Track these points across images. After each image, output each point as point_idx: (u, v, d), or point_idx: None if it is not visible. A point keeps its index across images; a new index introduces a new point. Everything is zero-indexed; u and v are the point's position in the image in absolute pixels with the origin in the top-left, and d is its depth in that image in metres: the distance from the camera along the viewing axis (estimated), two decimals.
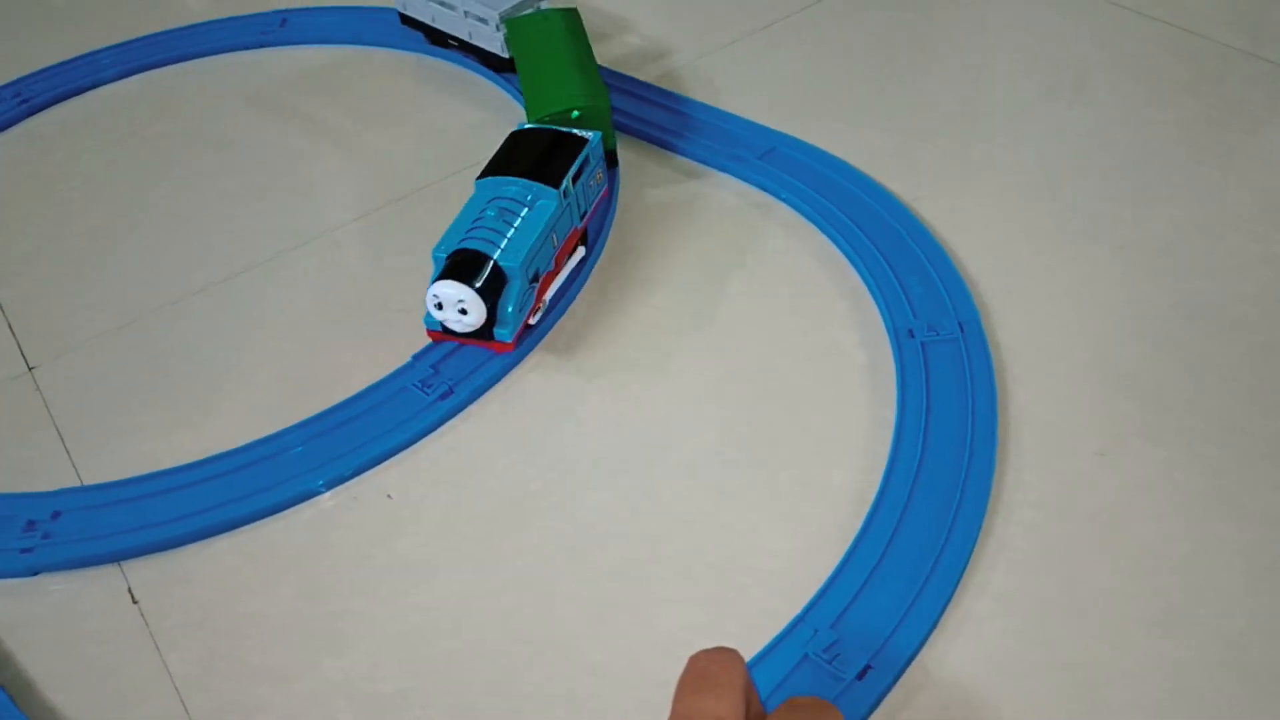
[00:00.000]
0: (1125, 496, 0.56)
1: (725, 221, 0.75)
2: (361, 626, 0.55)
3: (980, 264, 0.70)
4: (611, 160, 0.76)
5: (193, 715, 0.52)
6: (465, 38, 0.87)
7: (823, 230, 0.74)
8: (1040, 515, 0.56)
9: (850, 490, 0.58)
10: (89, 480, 0.63)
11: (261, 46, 0.99)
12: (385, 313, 0.71)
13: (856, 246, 0.71)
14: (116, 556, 0.59)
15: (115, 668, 0.54)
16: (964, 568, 0.54)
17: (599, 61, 0.80)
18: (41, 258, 0.79)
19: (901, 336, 0.65)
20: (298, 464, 0.61)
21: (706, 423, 0.62)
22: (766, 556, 0.56)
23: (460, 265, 0.62)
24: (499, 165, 0.67)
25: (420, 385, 0.65)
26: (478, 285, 0.61)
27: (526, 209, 0.65)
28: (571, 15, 0.82)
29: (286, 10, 1.01)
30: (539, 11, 0.83)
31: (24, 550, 0.59)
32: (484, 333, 0.64)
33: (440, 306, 0.62)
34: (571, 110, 0.72)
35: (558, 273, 0.68)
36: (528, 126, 0.71)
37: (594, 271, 0.72)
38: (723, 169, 0.79)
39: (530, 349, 0.67)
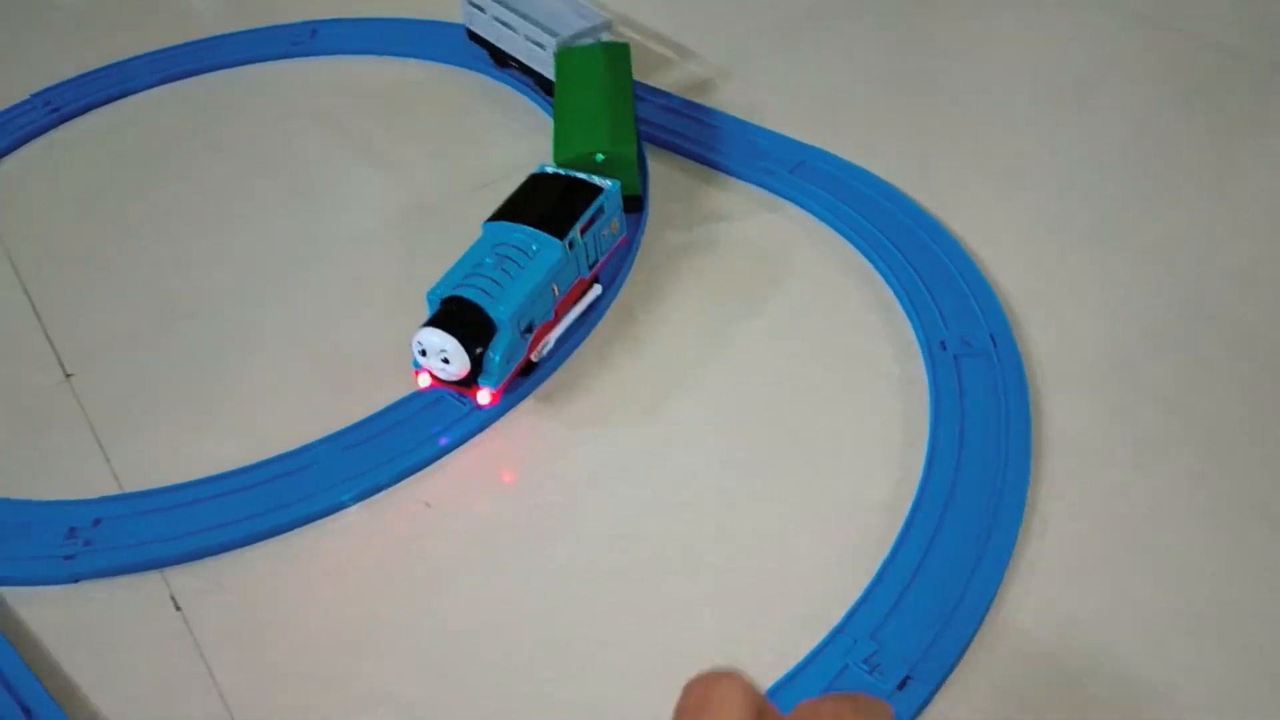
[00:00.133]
0: (1159, 505, 0.57)
1: (756, 234, 0.76)
2: (402, 633, 0.55)
3: (1009, 275, 0.70)
4: (636, 206, 0.75)
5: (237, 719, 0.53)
6: (523, 59, 0.87)
7: (853, 243, 0.74)
8: (1076, 526, 0.56)
9: (885, 501, 0.59)
10: (128, 487, 0.64)
11: (292, 57, 0.99)
12: (418, 322, 0.71)
13: (887, 259, 0.72)
14: (158, 564, 0.59)
15: (160, 674, 0.55)
16: (1001, 579, 0.54)
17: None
18: (76, 265, 0.80)
19: (934, 348, 0.65)
20: (336, 472, 0.62)
21: (740, 433, 0.63)
22: (802, 566, 0.56)
23: (449, 314, 0.61)
24: (509, 210, 0.66)
25: (456, 394, 0.65)
26: (462, 336, 0.60)
27: (529, 259, 0.64)
28: (621, 53, 0.81)
29: (317, 21, 1.02)
30: (592, 45, 0.82)
31: (66, 557, 0.59)
32: (469, 381, 0.62)
33: (425, 353, 0.62)
34: (595, 154, 0.72)
35: (557, 323, 0.66)
36: (547, 170, 0.70)
37: (627, 280, 0.73)
38: (754, 182, 0.80)
39: (566, 357, 0.68)
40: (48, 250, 0.82)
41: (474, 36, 0.91)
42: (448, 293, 0.62)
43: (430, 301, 0.63)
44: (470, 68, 0.94)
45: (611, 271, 0.72)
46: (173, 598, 0.58)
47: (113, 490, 0.64)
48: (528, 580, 0.57)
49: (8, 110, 0.96)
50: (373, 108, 0.92)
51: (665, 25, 0.97)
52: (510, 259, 0.63)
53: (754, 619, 0.54)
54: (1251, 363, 0.63)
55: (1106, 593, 0.53)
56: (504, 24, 0.86)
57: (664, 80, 0.90)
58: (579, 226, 0.66)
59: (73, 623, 0.57)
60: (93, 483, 0.64)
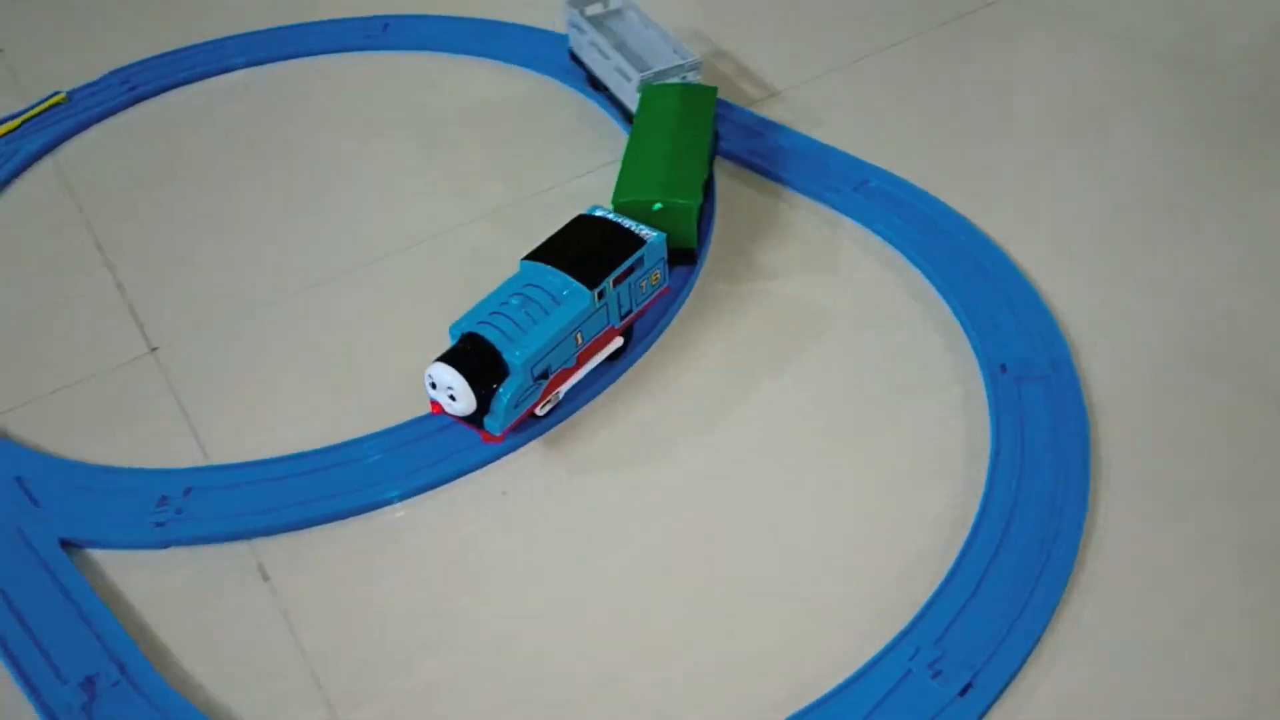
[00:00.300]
0: (1217, 535, 0.59)
1: (819, 250, 0.78)
2: (481, 617, 0.58)
3: (1069, 303, 0.72)
4: (689, 259, 0.74)
5: (326, 692, 0.55)
6: (612, 89, 0.88)
7: (914, 263, 0.76)
8: (1134, 550, 0.59)
9: (946, 516, 0.61)
10: (215, 460, 0.66)
11: (363, 50, 1.01)
12: None
13: (948, 280, 0.74)
14: (246, 534, 0.62)
15: (249, 641, 0.57)
16: (1061, 595, 0.56)
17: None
18: (153, 242, 0.82)
19: (995, 371, 0.68)
20: (425, 455, 0.64)
21: (801, 445, 0.65)
22: (865, 576, 0.59)
23: (462, 352, 0.61)
24: (546, 250, 0.66)
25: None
26: (470, 376, 0.60)
27: (555, 304, 0.63)
28: (706, 97, 0.80)
29: (387, 15, 1.04)
30: (678, 85, 0.81)
31: (157, 524, 0.62)
32: (476, 418, 0.62)
33: (434, 386, 0.62)
34: (653, 204, 0.71)
35: (577, 370, 0.66)
36: (596, 213, 0.69)
37: (696, 286, 0.75)
38: (817, 198, 0.82)
39: (631, 364, 0.70)
40: (126, 226, 0.84)
41: (574, 57, 0.93)
42: (468, 328, 0.62)
43: (451, 334, 0.63)
44: (541, 71, 0.96)
45: (670, 295, 0.74)
46: (260, 567, 0.60)
47: (199, 461, 0.66)
48: (592, 581, 0.59)
49: (85, 87, 0.98)
50: (444, 108, 0.94)
51: (727, 41, 0.99)
52: (536, 302, 0.63)
53: (817, 624, 0.57)
54: None
55: (1160, 622, 0.56)
56: (599, 50, 0.87)
57: (728, 93, 0.92)
58: (613, 277, 0.65)
59: (163, 587, 0.60)
60: (180, 453, 0.67)
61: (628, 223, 0.68)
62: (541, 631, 0.57)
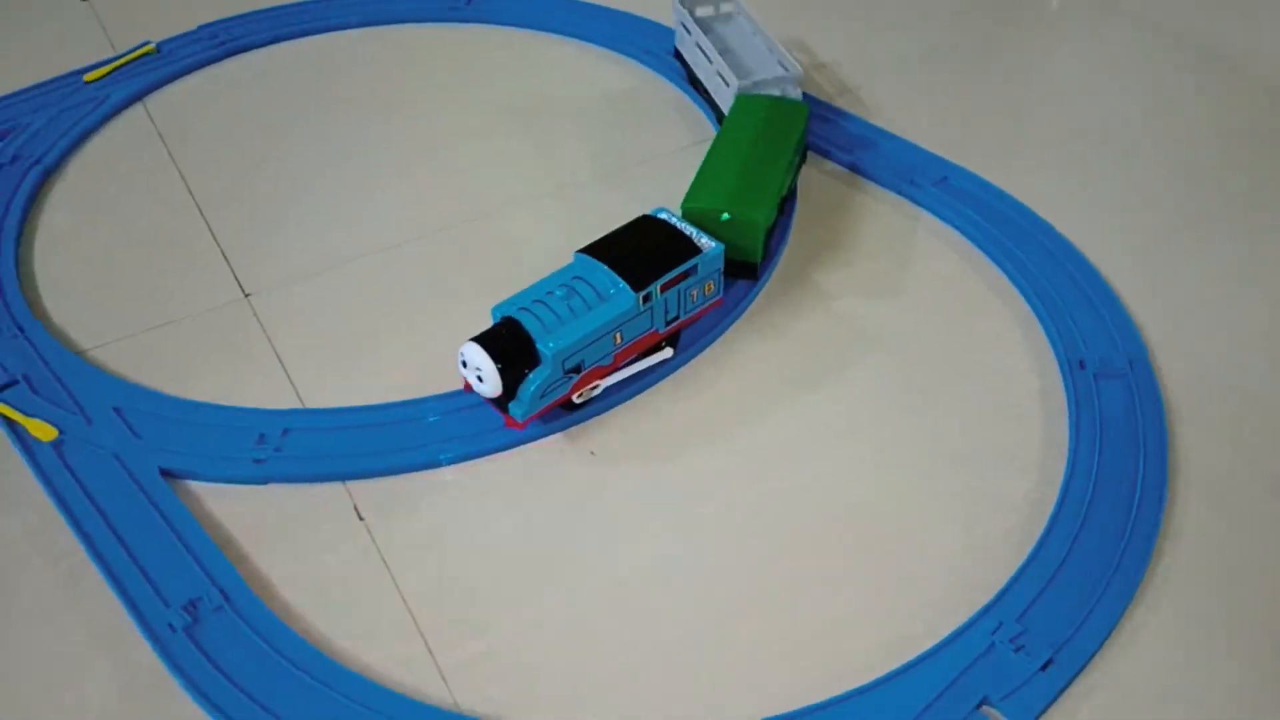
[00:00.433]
0: None
1: (898, 243, 0.79)
2: (571, 568, 0.60)
3: (1145, 305, 0.73)
4: (752, 273, 0.74)
5: (422, 627, 0.57)
6: (710, 92, 0.89)
7: (992, 258, 0.78)
8: (1209, 544, 0.60)
9: (1023, 501, 0.63)
10: (309, 404, 0.68)
11: (447, 22, 1.03)
12: None
13: (1026, 276, 0.75)
14: (343, 476, 0.63)
15: (345, 575, 0.59)
16: (1138, 586, 0.58)
17: None
18: (245, 193, 0.84)
19: (1073, 366, 0.69)
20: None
21: (881, 426, 0.67)
22: (949, 554, 0.60)
23: (496, 335, 0.62)
24: (601, 246, 0.66)
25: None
26: (499, 360, 0.61)
27: (600, 300, 0.63)
28: (797, 114, 0.80)
29: None
30: (772, 97, 0.81)
31: (256, 461, 0.63)
32: (503, 402, 0.63)
33: (465, 365, 0.62)
34: (721, 213, 0.71)
35: (613, 370, 0.66)
36: (660, 215, 0.69)
37: (779, 264, 0.77)
38: (897, 191, 0.83)
39: (731, 322, 0.72)
40: (215, 175, 0.86)
41: (678, 54, 0.94)
42: (508, 313, 0.63)
43: (493, 315, 0.64)
44: (626, 54, 0.98)
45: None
46: (355, 507, 0.62)
47: (293, 404, 0.68)
48: (687, 541, 0.61)
49: (176, 38, 1.00)
50: (523, 79, 0.95)
51: (810, 34, 1.00)
52: (580, 295, 0.63)
53: (902, 595, 0.58)
54: None
55: (1233, 611, 0.57)
56: (703, 51, 0.88)
57: (809, 85, 0.94)
58: (661, 283, 0.65)
59: (261, 520, 0.62)
60: (275, 395, 0.68)
61: (689, 230, 0.68)
62: (630, 587, 0.59)
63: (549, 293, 0.64)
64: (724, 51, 0.89)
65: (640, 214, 0.70)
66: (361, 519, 0.62)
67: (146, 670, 0.55)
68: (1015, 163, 0.85)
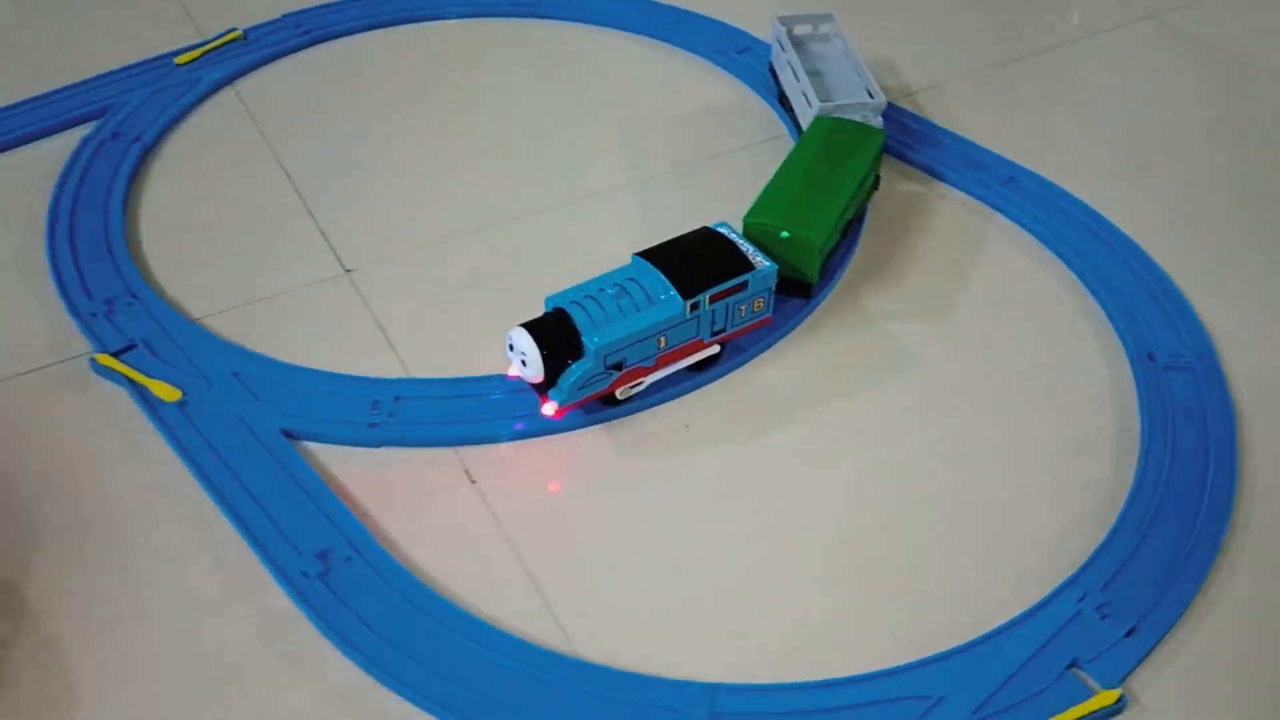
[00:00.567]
0: None
1: (967, 239, 0.83)
2: (671, 531, 0.63)
3: (1211, 304, 0.77)
4: (804, 292, 0.75)
5: (537, 583, 0.60)
6: (795, 111, 0.91)
7: (1059, 255, 0.81)
8: (1277, 533, 0.63)
9: (1099, 484, 0.66)
10: (415, 374, 0.71)
11: (520, 17, 1.06)
12: None
13: (1095, 274, 0.79)
14: (453, 442, 0.66)
15: (462, 534, 0.62)
16: (1213, 563, 0.61)
17: None
18: (338, 175, 0.87)
19: (1142, 359, 0.73)
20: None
21: (956, 412, 0.70)
22: (1024, 533, 0.64)
23: (545, 324, 0.64)
24: (659, 251, 0.68)
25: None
26: (544, 348, 0.63)
27: (649, 303, 0.66)
28: (871, 140, 0.81)
29: None
30: (849, 122, 0.83)
31: (371, 425, 0.66)
32: (544, 388, 0.65)
33: (512, 348, 0.65)
34: (780, 231, 0.73)
35: (655, 371, 0.68)
36: (720, 229, 0.71)
37: (849, 266, 0.80)
38: (966, 190, 0.87)
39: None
40: (309, 157, 0.89)
41: (772, 70, 0.96)
42: (560, 304, 0.65)
43: (545, 305, 0.66)
44: (697, 53, 1.01)
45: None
46: (467, 472, 0.65)
47: (399, 374, 0.71)
48: (783, 511, 0.64)
49: (260, 26, 1.03)
50: (601, 75, 0.99)
51: (879, 37, 1.03)
52: (630, 296, 0.66)
53: (990, 568, 0.62)
54: None
55: None
56: (793, 70, 0.90)
57: (881, 85, 0.97)
58: (710, 294, 0.67)
59: (380, 481, 0.65)
60: (382, 367, 0.71)
61: (746, 246, 0.70)
62: (729, 552, 0.62)
63: (601, 290, 0.67)
64: (815, 73, 0.90)
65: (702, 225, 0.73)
66: (473, 482, 0.65)
67: (282, 613, 0.58)
68: (1081, 169, 0.89)
